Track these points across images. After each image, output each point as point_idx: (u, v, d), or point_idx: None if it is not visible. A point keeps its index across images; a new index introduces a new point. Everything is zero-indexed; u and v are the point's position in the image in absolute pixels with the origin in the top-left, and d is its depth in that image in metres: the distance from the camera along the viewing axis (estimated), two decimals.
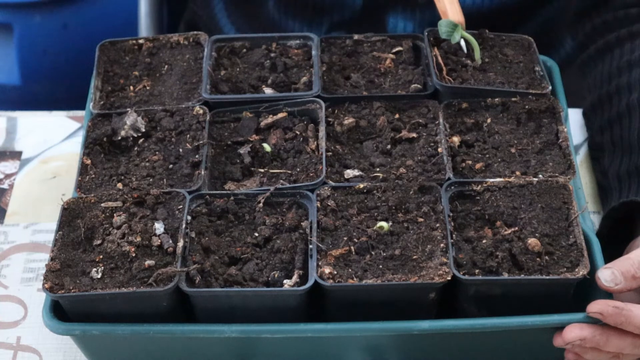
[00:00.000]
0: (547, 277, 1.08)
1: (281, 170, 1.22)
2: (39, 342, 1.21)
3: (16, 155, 1.46)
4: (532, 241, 1.11)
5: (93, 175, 1.22)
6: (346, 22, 1.55)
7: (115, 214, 1.15)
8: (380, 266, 1.10)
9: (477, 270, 1.09)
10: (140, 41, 1.39)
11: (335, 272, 1.09)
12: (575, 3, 1.50)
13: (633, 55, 1.37)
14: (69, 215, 1.16)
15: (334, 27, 1.56)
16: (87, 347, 1.15)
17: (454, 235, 1.12)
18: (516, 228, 1.13)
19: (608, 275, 1.09)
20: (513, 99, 1.26)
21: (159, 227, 1.13)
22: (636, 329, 1.07)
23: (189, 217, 1.15)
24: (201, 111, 1.27)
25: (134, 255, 1.11)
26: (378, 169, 1.21)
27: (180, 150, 1.24)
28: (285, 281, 1.10)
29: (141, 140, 1.26)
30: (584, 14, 1.48)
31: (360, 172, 1.21)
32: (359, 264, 1.10)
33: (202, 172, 1.19)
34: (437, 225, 1.13)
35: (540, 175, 1.19)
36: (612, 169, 1.31)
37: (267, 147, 1.24)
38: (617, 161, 1.31)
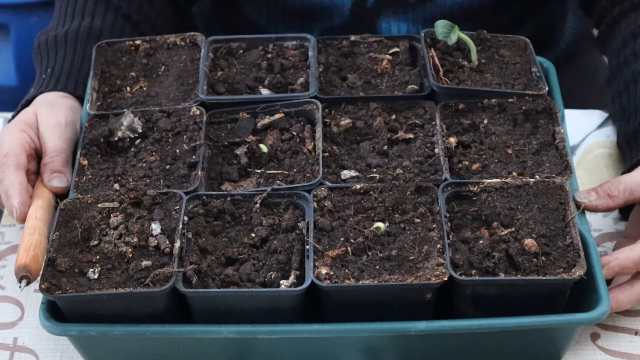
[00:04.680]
0: (544, 278, 1.08)
1: (278, 171, 1.22)
2: (36, 342, 1.21)
3: None
4: (529, 242, 1.11)
5: (90, 176, 1.22)
6: (337, 29, 1.55)
7: (112, 215, 1.15)
8: (377, 267, 1.10)
9: (473, 271, 1.09)
10: (137, 42, 1.39)
11: (332, 273, 1.09)
12: None
13: (637, 25, 1.38)
14: (66, 215, 1.16)
15: (325, 34, 1.57)
16: (83, 347, 1.15)
17: (450, 236, 1.12)
18: (513, 229, 1.13)
19: (583, 192, 1.18)
20: (510, 100, 1.27)
21: (155, 227, 1.14)
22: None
23: (186, 218, 1.15)
24: (198, 112, 1.27)
25: (130, 255, 1.12)
26: (375, 170, 1.21)
27: (177, 151, 1.24)
28: (282, 282, 1.10)
29: (138, 141, 1.26)
30: None
31: (357, 173, 1.21)
32: (355, 265, 1.10)
33: (199, 173, 1.19)
34: (434, 225, 1.13)
35: (537, 176, 1.19)
36: (621, 134, 1.34)
37: (263, 148, 1.24)
38: (625, 125, 1.33)
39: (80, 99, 1.36)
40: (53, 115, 1.30)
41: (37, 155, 1.29)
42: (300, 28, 1.57)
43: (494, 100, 1.27)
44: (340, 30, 1.55)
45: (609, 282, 1.16)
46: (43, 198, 1.23)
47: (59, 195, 1.25)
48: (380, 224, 1.13)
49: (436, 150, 1.22)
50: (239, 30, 1.64)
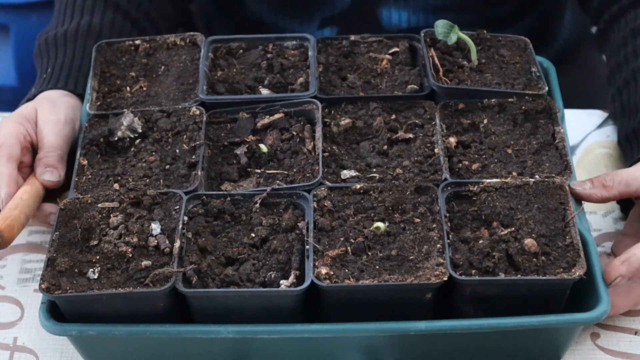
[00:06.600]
0: (544, 278, 1.08)
1: (278, 171, 1.22)
2: (36, 342, 1.21)
3: None
4: (529, 242, 1.11)
5: (90, 176, 1.22)
6: (337, 16, 1.55)
7: (112, 215, 1.15)
8: (377, 267, 1.10)
9: (473, 271, 1.09)
10: (137, 42, 1.39)
11: (332, 273, 1.09)
12: None
13: (636, 23, 1.38)
14: (66, 215, 1.16)
15: (326, 22, 1.56)
16: (83, 347, 1.15)
17: (450, 236, 1.12)
18: (513, 228, 1.13)
19: (577, 182, 1.18)
20: (509, 100, 1.27)
21: (155, 227, 1.14)
22: None
23: (186, 218, 1.15)
24: (198, 112, 1.27)
25: (130, 255, 1.12)
26: (375, 170, 1.21)
27: (177, 150, 1.24)
28: (281, 281, 1.10)
29: (138, 140, 1.26)
30: None
31: (357, 173, 1.21)
32: (355, 265, 1.10)
33: (199, 173, 1.19)
34: (434, 225, 1.13)
35: (537, 176, 1.19)
36: (622, 133, 1.34)
37: (263, 148, 1.24)
38: (625, 124, 1.34)
39: (81, 97, 1.36)
40: (54, 112, 1.31)
41: (32, 150, 1.29)
42: (300, 17, 1.57)
43: (493, 100, 1.27)
44: (341, 18, 1.55)
45: None
46: (32, 185, 1.24)
47: (51, 191, 1.25)
48: (380, 224, 1.13)
49: (436, 150, 1.22)
50: (238, 21, 1.64)
